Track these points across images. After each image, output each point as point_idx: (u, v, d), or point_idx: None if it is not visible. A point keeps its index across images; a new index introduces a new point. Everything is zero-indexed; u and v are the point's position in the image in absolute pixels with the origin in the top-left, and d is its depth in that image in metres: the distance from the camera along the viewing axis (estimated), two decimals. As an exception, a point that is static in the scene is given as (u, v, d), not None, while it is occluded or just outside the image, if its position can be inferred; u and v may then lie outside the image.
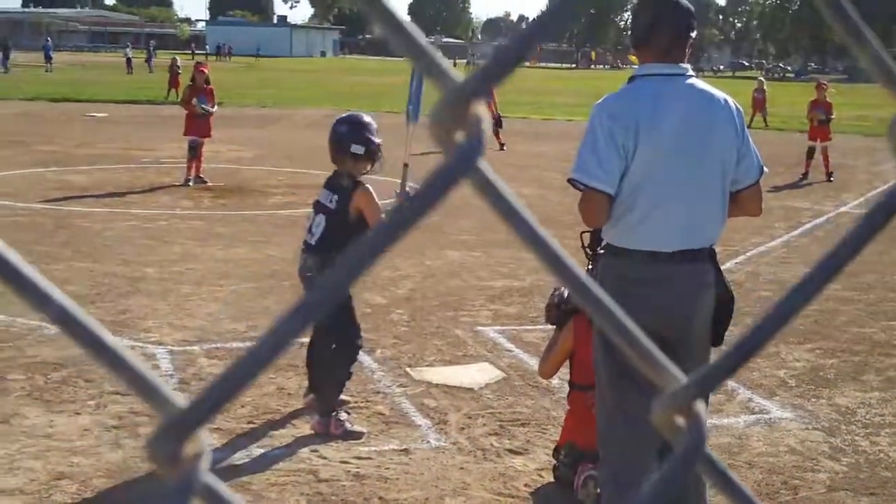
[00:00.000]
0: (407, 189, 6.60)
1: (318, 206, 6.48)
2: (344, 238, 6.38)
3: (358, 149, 6.42)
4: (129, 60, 64.18)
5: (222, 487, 0.55)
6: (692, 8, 4.55)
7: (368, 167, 6.53)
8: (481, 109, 0.54)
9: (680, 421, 0.68)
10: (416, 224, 0.55)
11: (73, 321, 0.53)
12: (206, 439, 0.54)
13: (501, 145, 24.87)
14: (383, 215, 6.39)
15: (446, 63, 0.55)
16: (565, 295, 5.72)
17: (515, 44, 0.56)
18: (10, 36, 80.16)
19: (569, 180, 4.40)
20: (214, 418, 0.55)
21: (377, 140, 6.53)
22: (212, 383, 0.53)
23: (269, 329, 0.54)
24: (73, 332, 0.53)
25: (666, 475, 0.66)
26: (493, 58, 0.55)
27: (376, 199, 6.39)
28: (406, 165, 6.58)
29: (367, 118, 6.64)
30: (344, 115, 6.75)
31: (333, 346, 6.44)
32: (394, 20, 0.54)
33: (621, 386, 4.51)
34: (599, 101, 4.47)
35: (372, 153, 6.48)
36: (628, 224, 4.37)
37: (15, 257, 0.52)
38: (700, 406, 0.68)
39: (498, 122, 25.06)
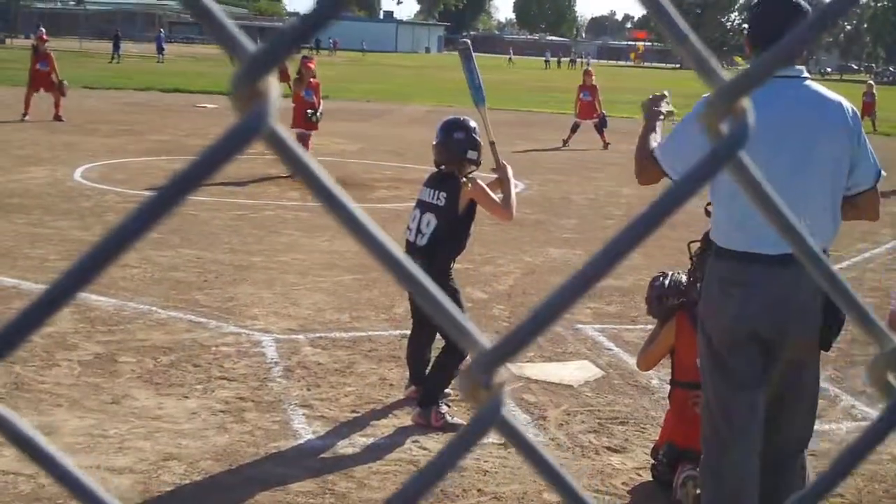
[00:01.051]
0: (502, 162, 6.66)
1: (425, 206, 6.55)
2: (455, 234, 6.46)
3: (473, 154, 6.57)
4: None
5: (516, 420, 0.65)
6: (810, 9, 4.52)
7: (474, 169, 6.63)
8: (747, 104, 0.62)
9: (893, 379, 0.74)
10: (683, 203, 0.63)
11: (405, 270, 0.61)
12: (507, 373, 0.63)
13: (606, 144, 24.82)
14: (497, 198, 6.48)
15: (716, 61, 0.63)
16: (666, 285, 5.70)
17: (777, 51, 0.63)
18: (122, 27, 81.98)
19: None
20: (517, 356, 0.65)
21: (482, 144, 6.67)
22: (512, 330, 0.64)
23: (563, 285, 0.63)
24: (402, 278, 0.61)
25: (879, 425, 0.73)
26: (759, 60, 0.63)
27: (485, 186, 6.52)
28: (493, 143, 6.64)
29: (473, 123, 6.73)
30: (453, 119, 6.79)
31: (444, 345, 6.51)
32: (674, 25, 0.61)
33: (726, 394, 4.51)
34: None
35: (480, 158, 6.63)
36: (731, 225, 4.38)
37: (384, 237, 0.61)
38: None
39: (603, 122, 25.06)
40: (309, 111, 17.22)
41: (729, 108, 0.63)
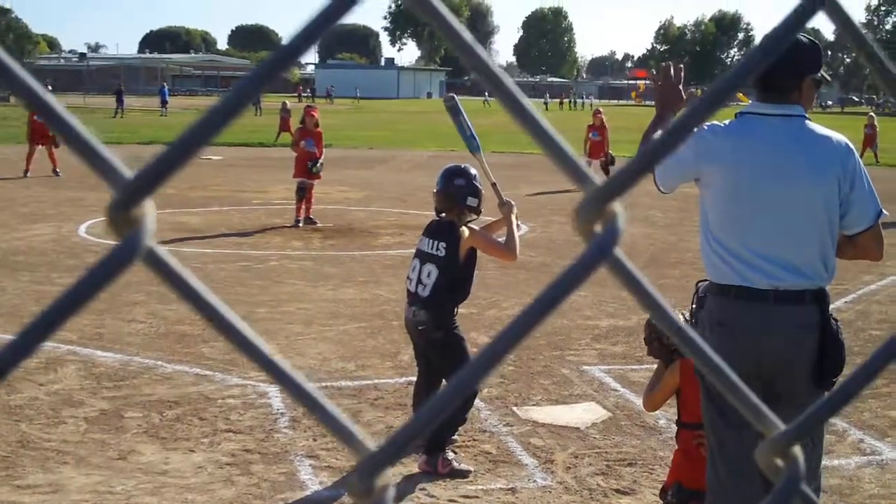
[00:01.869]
0: (506, 199, 6.70)
1: (425, 256, 6.54)
2: (457, 283, 6.47)
3: (473, 201, 6.58)
4: None
5: None
6: (815, 48, 4.50)
7: (474, 217, 6.67)
8: (618, 207, 0.66)
9: (779, 462, 0.76)
10: (560, 304, 0.67)
11: (284, 375, 0.64)
12: (392, 476, 0.65)
13: None
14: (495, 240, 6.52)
15: (584, 166, 0.67)
16: None
17: (643, 157, 0.67)
18: (126, 82, 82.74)
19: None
20: (400, 460, 0.67)
21: (483, 191, 6.69)
22: (396, 431, 0.67)
23: (441, 392, 0.66)
24: (282, 384, 0.65)
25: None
26: (625, 167, 0.67)
27: (484, 232, 6.63)
28: (494, 184, 6.66)
29: (473, 170, 6.75)
30: (453, 166, 6.79)
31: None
32: (546, 134, 0.64)
33: (721, 432, 4.50)
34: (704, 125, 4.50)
35: (481, 205, 6.66)
36: (719, 259, 4.39)
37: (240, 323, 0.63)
38: (796, 449, 0.77)
39: (610, 161, 25.10)
40: (310, 162, 17.23)
41: (600, 212, 0.66)
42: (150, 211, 0.59)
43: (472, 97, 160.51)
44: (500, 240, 6.62)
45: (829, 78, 4.75)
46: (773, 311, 4.29)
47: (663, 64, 4.92)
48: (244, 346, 0.63)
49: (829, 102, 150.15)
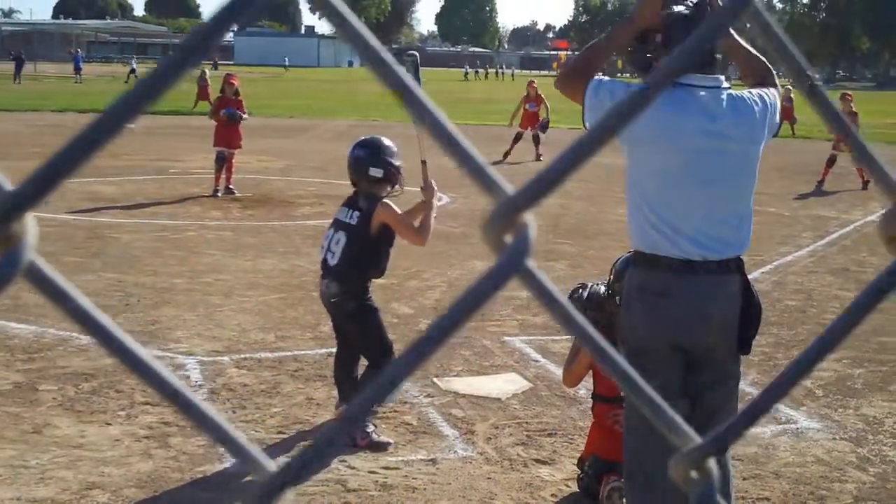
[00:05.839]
0: (430, 182, 6.52)
1: (339, 224, 6.44)
2: (365, 255, 6.35)
3: (376, 172, 6.41)
4: (132, 71, 65.38)
5: None
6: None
7: (388, 189, 6.51)
8: (529, 217, 0.63)
9: (694, 474, 0.75)
10: (471, 317, 0.64)
11: (179, 394, 0.61)
12: (291, 497, 0.62)
13: (538, 156, 24.78)
14: (406, 221, 6.36)
15: (496, 173, 0.64)
16: (585, 297, 5.71)
17: (558, 166, 0.64)
18: (40, 48, 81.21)
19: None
20: (300, 481, 0.64)
21: (396, 163, 6.51)
22: (295, 456, 0.64)
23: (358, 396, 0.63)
24: (178, 404, 0.61)
25: None
26: (539, 176, 0.65)
27: (398, 210, 6.38)
28: (423, 162, 6.47)
29: (386, 141, 6.59)
30: (363, 137, 6.70)
31: (368, 364, 6.48)
32: (457, 143, 0.61)
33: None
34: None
35: (391, 176, 6.49)
36: (648, 230, 4.38)
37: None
38: (711, 462, 0.77)
39: (544, 126, 25.00)
40: (231, 117, 16.84)
41: (513, 220, 0.64)
42: (30, 225, 0.55)
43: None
44: (415, 223, 6.49)
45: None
46: (704, 281, 4.31)
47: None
48: (136, 366, 0.60)
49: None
